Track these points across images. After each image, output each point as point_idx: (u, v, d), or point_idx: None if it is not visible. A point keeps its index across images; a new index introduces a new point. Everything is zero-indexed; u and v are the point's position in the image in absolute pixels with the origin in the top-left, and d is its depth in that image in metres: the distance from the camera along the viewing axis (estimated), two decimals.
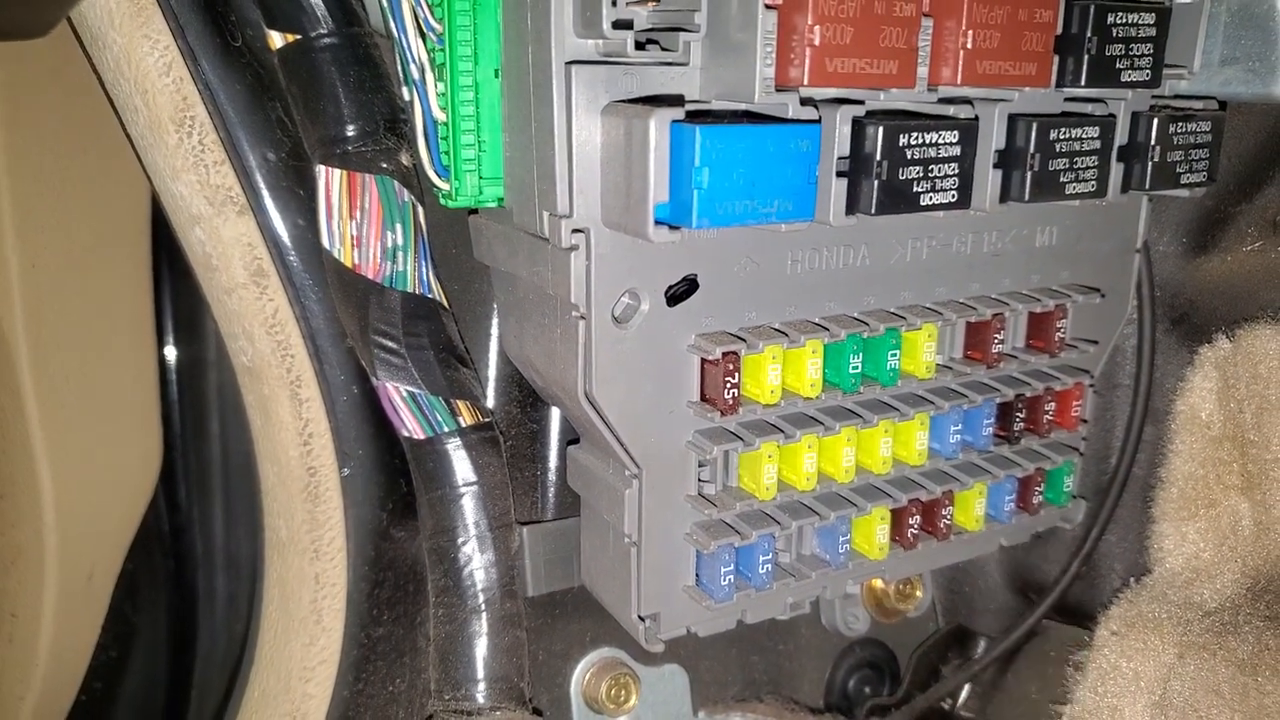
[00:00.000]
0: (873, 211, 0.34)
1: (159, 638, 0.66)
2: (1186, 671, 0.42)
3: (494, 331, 0.44)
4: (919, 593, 0.52)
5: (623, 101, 0.34)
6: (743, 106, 0.34)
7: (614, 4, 0.32)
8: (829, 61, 0.33)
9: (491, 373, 0.45)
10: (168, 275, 0.64)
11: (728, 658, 0.51)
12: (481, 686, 0.41)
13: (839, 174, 0.34)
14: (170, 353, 0.66)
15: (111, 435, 0.59)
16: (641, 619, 0.40)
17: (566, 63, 0.33)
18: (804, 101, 0.34)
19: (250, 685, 0.46)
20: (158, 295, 0.63)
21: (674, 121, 0.32)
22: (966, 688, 0.53)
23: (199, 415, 0.66)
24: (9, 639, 0.58)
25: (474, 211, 0.42)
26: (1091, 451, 0.50)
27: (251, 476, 0.66)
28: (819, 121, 0.34)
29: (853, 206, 0.35)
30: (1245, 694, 0.40)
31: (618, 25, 0.33)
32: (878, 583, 0.52)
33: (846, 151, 0.34)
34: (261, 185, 0.40)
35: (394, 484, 0.44)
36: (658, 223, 0.33)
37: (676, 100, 0.34)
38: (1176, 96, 0.43)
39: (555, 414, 0.45)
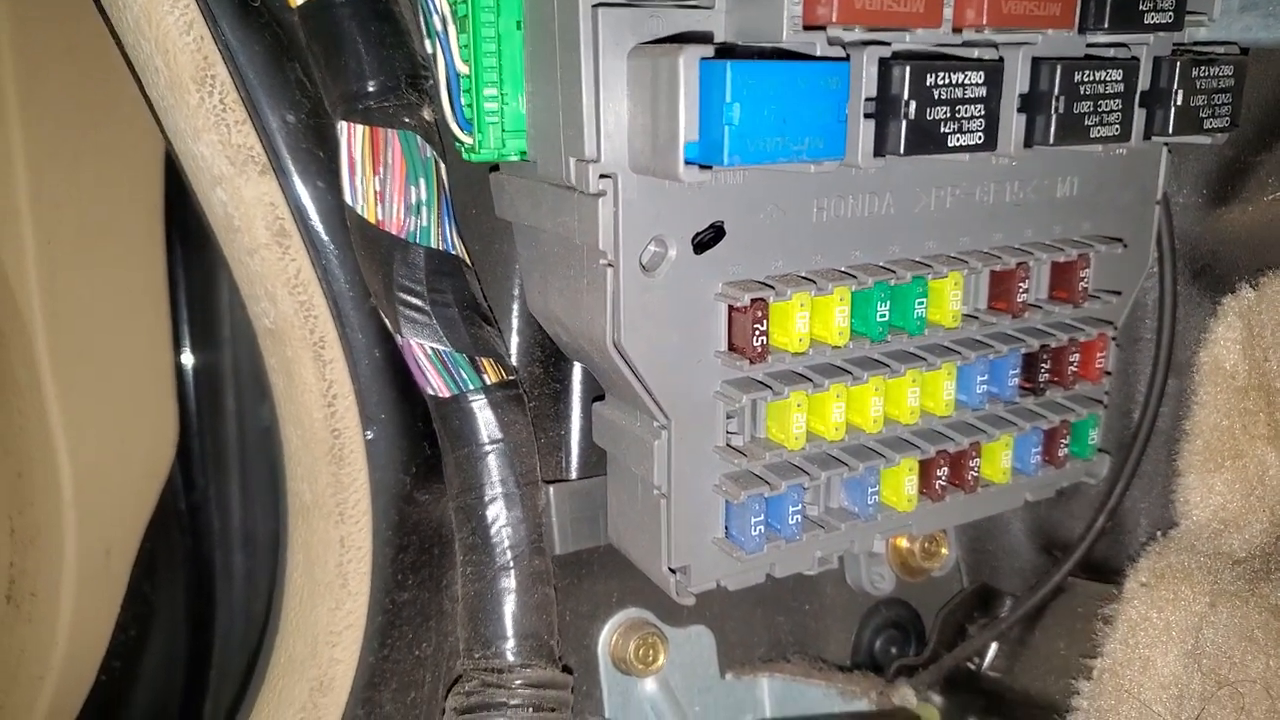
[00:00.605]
0: (901, 151, 0.34)
1: (177, 616, 0.66)
2: (1219, 619, 0.42)
3: (516, 291, 0.44)
4: (944, 550, 0.52)
5: (649, 43, 0.34)
6: (769, 46, 0.34)
7: None
8: None
9: (514, 333, 0.44)
10: (180, 252, 0.64)
11: (753, 618, 0.51)
12: (511, 644, 0.40)
13: (866, 116, 0.34)
14: (184, 331, 0.66)
15: (128, 411, 0.59)
16: (672, 571, 0.40)
17: (593, 6, 0.33)
18: (831, 42, 0.34)
19: (276, 651, 0.46)
20: (171, 272, 0.62)
21: (703, 58, 0.32)
22: (993, 646, 0.53)
23: (214, 393, 0.66)
24: (28, 618, 0.58)
25: (495, 168, 0.42)
26: (1115, 406, 0.50)
27: (268, 453, 0.66)
28: (848, 59, 0.34)
29: (881, 147, 0.35)
30: None
31: None
32: (903, 541, 0.52)
33: (874, 93, 0.34)
34: (282, 146, 0.40)
35: (417, 447, 0.44)
36: (688, 163, 0.33)
37: (705, 38, 0.34)
38: (1196, 43, 0.43)
39: (578, 373, 0.45)
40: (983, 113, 0.36)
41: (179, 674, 0.66)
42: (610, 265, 0.35)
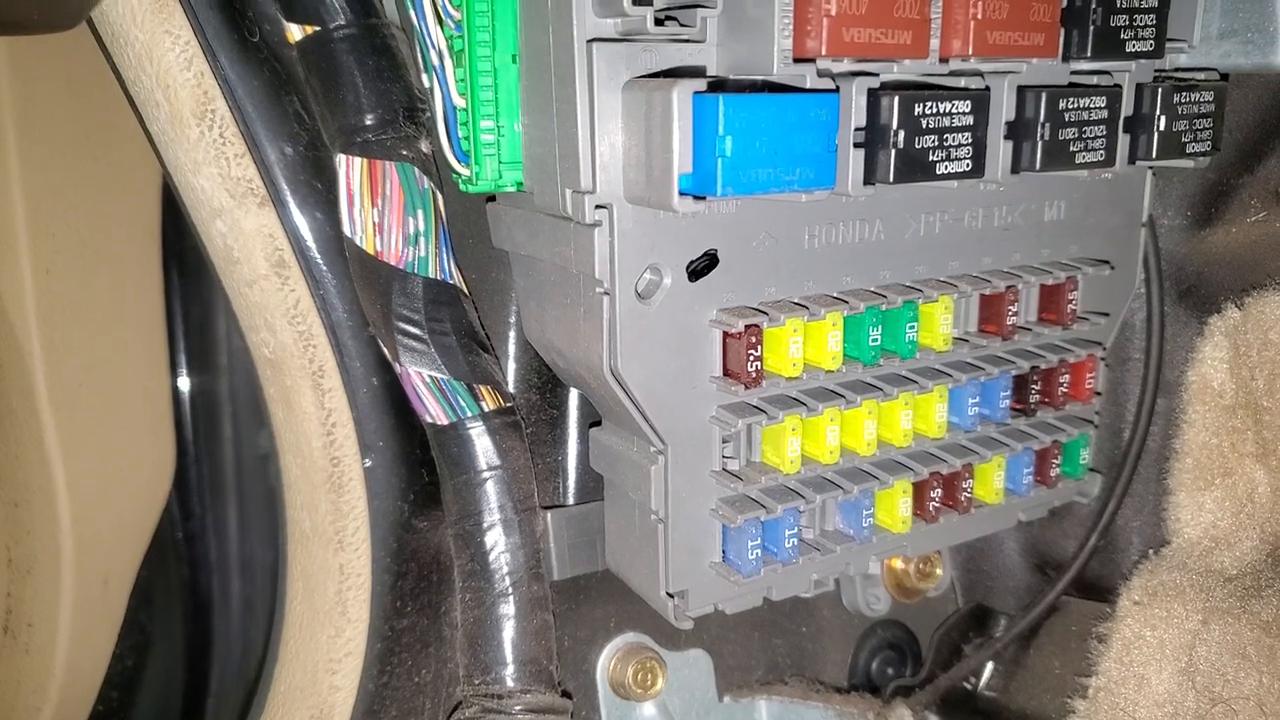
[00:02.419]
0: (890, 180, 0.35)
1: (175, 646, 0.66)
2: (1211, 637, 0.43)
3: (512, 320, 0.45)
4: (939, 571, 0.53)
5: (643, 76, 0.34)
6: (760, 78, 0.35)
7: None
8: (845, 31, 0.33)
9: (511, 360, 0.45)
10: (178, 282, 0.64)
11: (750, 641, 0.51)
12: (510, 670, 0.41)
13: (856, 145, 0.35)
14: (181, 359, 0.67)
15: (125, 441, 0.59)
16: (670, 596, 0.40)
17: (588, 41, 0.34)
18: (820, 74, 0.35)
19: (276, 680, 0.46)
20: (168, 302, 0.63)
21: (696, 92, 0.32)
22: (989, 666, 0.53)
23: (211, 421, 0.66)
24: (25, 649, 0.58)
25: (491, 199, 0.42)
26: (1105, 426, 0.50)
27: (264, 481, 0.67)
28: (837, 90, 0.34)
29: (870, 176, 0.35)
30: (1272, 655, 0.41)
31: (637, 2, 0.33)
32: (898, 562, 0.52)
33: (863, 123, 0.35)
34: (281, 179, 0.40)
35: (415, 475, 0.44)
36: (682, 194, 0.33)
37: (698, 72, 0.35)
38: (1177, 69, 0.44)
39: (575, 400, 0.46)
40: (970, 140, 0.37)
41: (177, 704, 0.66)
42: (606, 293, 0.36)
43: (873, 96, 0.35)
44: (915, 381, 0.41)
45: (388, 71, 0.39)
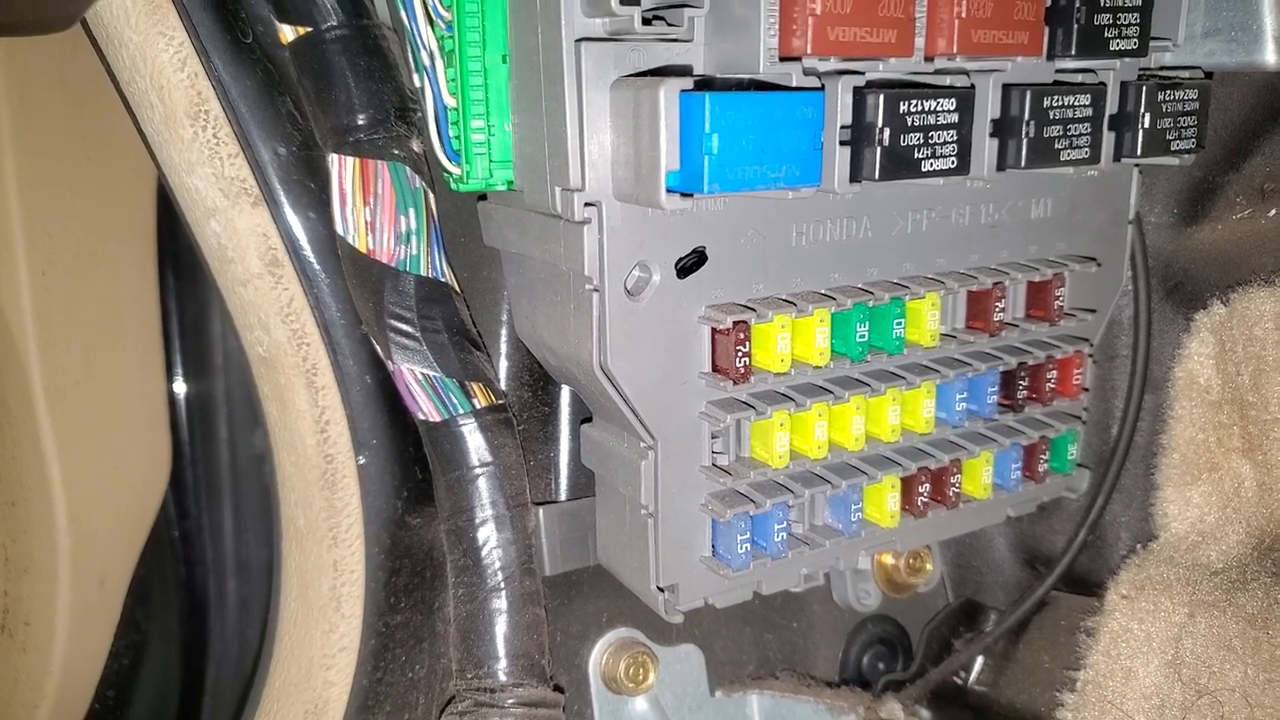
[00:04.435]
0: (876, 177, 0.35)
1: (171, 644, 0.66)
2: (1198, 629, 0.43)
3: (504, 317, 0.45)
4: (929, 566, 0.53)
5: (631, 75, 0.35)
6: (746, 77, 0.35)
7: None
8: (830, 30, 0.34)
9: (502, 358, 0.45)
10: (173, 282, 0.65)
11: (742, 637, 0.51)
12: (503, 664, 0.41)
13: (842, 143, 0.35)
14: (177, 359, 0.67)
15: (121, 440, 0.60)
16: (660, 590, 0.41)
17: (576, 40, 0.34)
18: (806, 72, 0.35)
19: (270, 676, 0.46)
20: (163, 302, 0.63)
21: (683, 90, 0.33)
22: (979, 660, 0.53)
23: (207, 421, 0.67)
24: (23, 648, 0.58)
25: (483, 198, 0.43)
26: (1093, 422, 0.50)
27: (260, 480, 0.67)
28: (823, 88, 0.35)
29: (857, 174, 0.36)
30: (1257, 647, 0.41)
31: (625, 2, 0.34)
32: (888, 557, 0.53)
33: (849, 120, 0.35)
34: (274, 178, 0.41)
35: (408, 472, 0.44)
36: (670, 191, 0.34)
37: (685, 70, 0.35)
38: (1162, 68, 0.44)
39: (566, 397, 0.46)
40: (955, 138, 0.37)
41: (173, 702, 0.66)
42: (596, 290, 0.36)
43: (858, 95, 0.35)
44: (903, 377, 0.42)
45: (379, 72, 0.39)
